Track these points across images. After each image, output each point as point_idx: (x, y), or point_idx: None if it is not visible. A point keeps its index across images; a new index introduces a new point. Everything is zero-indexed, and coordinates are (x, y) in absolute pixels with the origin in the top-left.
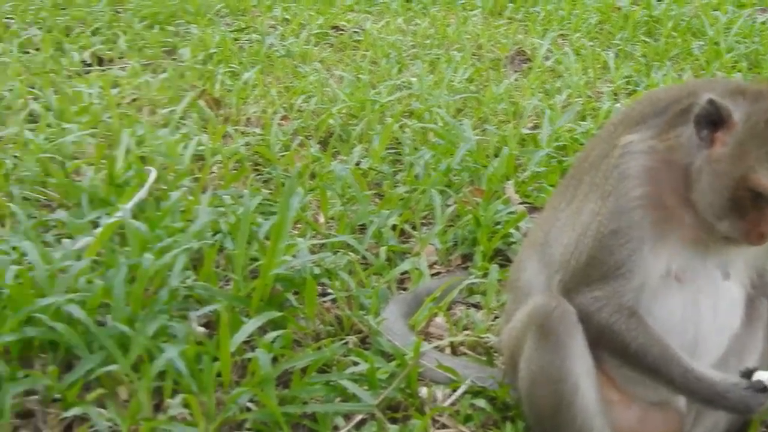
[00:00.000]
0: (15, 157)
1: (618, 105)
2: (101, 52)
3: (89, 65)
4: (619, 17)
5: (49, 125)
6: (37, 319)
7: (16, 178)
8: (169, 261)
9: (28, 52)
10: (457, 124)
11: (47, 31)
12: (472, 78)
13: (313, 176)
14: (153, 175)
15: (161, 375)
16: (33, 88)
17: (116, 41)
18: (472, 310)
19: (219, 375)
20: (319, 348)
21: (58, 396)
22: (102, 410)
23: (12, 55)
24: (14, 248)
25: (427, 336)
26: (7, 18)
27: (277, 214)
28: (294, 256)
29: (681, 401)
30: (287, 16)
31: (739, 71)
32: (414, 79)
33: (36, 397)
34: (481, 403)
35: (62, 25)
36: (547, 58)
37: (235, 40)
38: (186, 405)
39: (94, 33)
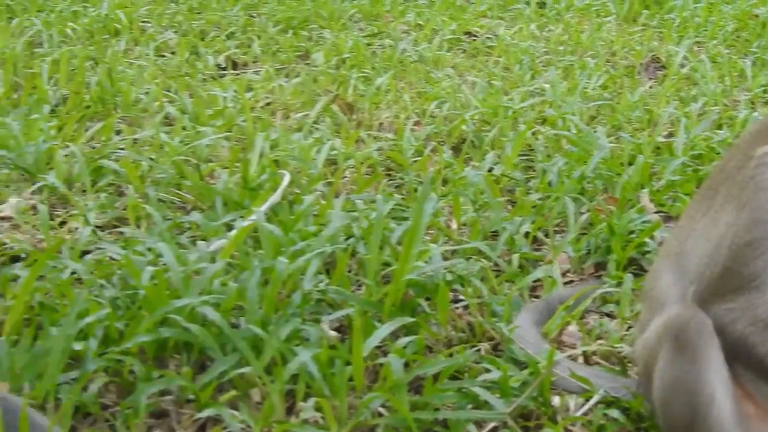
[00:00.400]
0: (151, 159)
1: (755, 114)
2: (236, 55)
3: (224, 69)
4: (757, 24)
5: (184, 128)
6: (172, 320)
7: (152, 180)
8: (303, 265)
9: (164, 56)
10: (590, 132)
11: (183, 34)
12: (606, 85)
13: (445, 182)
14: (287, 178)
15: (294, 378)
16: (168, 91)
17: (250, 45)
18: (606, 319)
19: (351, 379)
20: (450, 354)
21: (191, 397)
22: (235, 412)
23: (148, 59)
24: (150, 249)
25: (559, 344)
26: (144, 22)
27: (410, 220)
28: (426, 262)
29: None
30: (420, 22)
31: None
32: (547, 86)
33: (170, 397)
34: (614, 413)
35: (197, 29)
36: (682, 66)
37: (368, 45)
38: (318, 408)
39: (228, 37)
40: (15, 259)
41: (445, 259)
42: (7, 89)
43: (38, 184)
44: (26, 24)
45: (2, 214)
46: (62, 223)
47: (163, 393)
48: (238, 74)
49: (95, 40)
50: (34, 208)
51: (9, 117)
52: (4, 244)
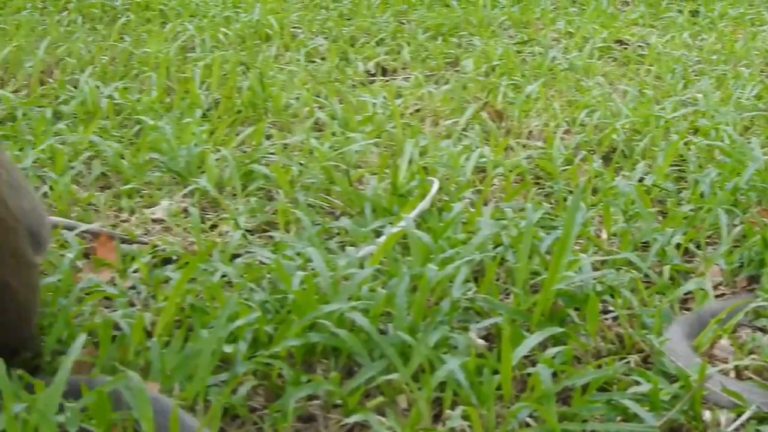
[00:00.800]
0: (300, 164)
1: None
2: (385, 62)
3: (373, 75)
4: None
5: (333, 133)
6: (320, 325)
7: (302, 184)
8: (452, 272)
9: (314, 61)
10: (744, 143)
11: (333, 40)
12: (761, 95)
13: (594, 191)
14: (436, 185)
15: (441, 386)
16: (318, 96)
17: (400, 52)
18: (759, 333)
19: (499, 388)
20: (599, 366)
21: (339, 402)
22: (382, 418)
23: (299, 64)
24: (299, 254)
25: (711, 358)
26: (295, 27)
27: (559, 229)
28: (576, 272)
29: None
30: (570, 30)
31: None
32: (700, 96)
33: (318, 401)
34: (766, 429)
35: (347, 35)
36: None
37: (518, 52)
38: (465, 417)
39: (378, 43)
40: (166, 261)
41: (595, 269)
42: (160, 93)
43: (189, 188)
44: (179, 29)
45: (154, 217)
46: (213, 227)
47: (310, 397)
48: (387, 80)
49: (247, 45)
50: (185, 210)
51: (162, 120)
52: (156, 246)
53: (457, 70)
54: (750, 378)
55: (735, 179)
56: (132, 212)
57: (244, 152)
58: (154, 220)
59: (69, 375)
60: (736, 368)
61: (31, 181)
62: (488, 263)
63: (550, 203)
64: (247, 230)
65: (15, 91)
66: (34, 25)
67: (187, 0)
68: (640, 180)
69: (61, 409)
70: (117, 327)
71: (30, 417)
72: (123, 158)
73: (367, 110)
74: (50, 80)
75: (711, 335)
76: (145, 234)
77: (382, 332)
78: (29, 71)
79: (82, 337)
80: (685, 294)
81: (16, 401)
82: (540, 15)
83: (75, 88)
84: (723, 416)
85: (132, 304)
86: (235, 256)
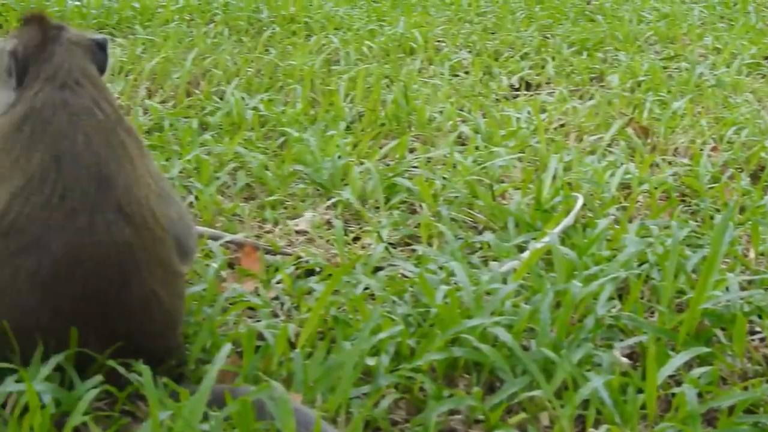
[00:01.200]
0: (444, 178)
1: None
2: (529, 76)
3: (517, 89)
4: None
5: (477, 148)
6: (463, 340)
7: (445, 198)
8: (596, 289)
9: (457, 75)
10: None
11: (477, 54)
12: None
13: (742, 210)
14: (580, 201)
15: (584, 403)
16: (462, 110)
17: (544, 66)
18: None
19: (643, 408)
20: (746, 387)
21: (481, 417)
22: None
23: (443, 78)
24: (442, 268)
25: None
26: (439, 41)
27: (706, 248)
28: (723, 292)
29: None
30: (718, 45)
31: None
32: None
33: (459, 416)
34: None
35: (491, 49)
36: None
37: (664, 68)
38: None
39: (522, 58)
40: (309, 272)
41: (742, 289)
42: (305, 105)
43: (333, 200)
44: (324, 42)
45: (298, 228)
46: (356, 239)
47: (452, 412)
48: (531, 95)
49: (390, 58)
50: (328, 222)
51: (307, 133)
52: (300, 257)
53: (602, 86)
54: None
55: None
56: (276, 223)
57: (388, 165)
58: (298, 232)
59: (213, 384)
60: None
61: (178, 191)
62: (633, 281)
63: (696, 221)
64: (390, 243)
65: (162, 102)
66: (182, 37)
67: (332, 13)
68: None
69: (205, 418)
70: (261, 337)
71: (175, 424)
72: (267, 169)
73: (510, 125)
74: (197, 91)
75: None
76: (289, 245)
77: (525, 348)
78: (176, 82)
79: (227, 347)
80: None
81: (161, 408)
82: (687, 30)
83: (221, 99)
84: None
85: (275, 315)
86: (378, 269)
